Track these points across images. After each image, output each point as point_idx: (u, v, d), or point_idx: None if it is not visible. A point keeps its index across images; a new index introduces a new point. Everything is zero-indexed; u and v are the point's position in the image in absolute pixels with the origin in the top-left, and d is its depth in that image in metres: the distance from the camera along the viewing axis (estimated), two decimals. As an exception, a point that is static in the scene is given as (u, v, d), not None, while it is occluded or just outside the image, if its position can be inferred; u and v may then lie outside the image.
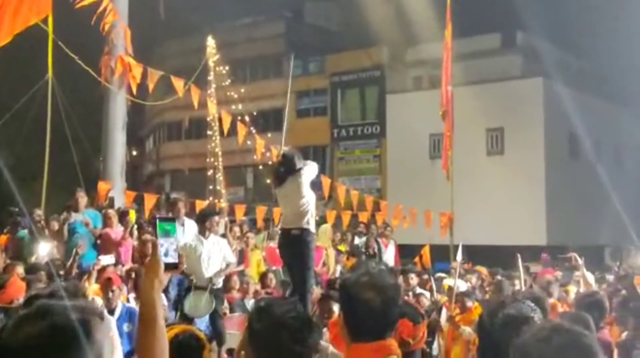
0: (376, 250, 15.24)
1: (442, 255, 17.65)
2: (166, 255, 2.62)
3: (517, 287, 8.46)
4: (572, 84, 32.08)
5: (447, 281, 10.24)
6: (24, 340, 1.72)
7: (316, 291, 8.74)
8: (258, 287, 11.29)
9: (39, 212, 11.78)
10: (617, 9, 29.40)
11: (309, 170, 7.88)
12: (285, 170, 7.81)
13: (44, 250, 9.64)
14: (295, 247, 7.79)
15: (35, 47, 13.39)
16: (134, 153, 35.74)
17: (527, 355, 2.05)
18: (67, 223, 11.24)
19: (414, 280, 11.23)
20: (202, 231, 9.79)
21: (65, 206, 12.33)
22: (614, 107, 33.94)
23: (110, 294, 7.48)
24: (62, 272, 9.47)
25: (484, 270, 13.03)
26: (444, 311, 9.15)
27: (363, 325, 2.88)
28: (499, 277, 11.51)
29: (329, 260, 14.25)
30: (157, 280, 2.51)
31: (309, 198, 7.74)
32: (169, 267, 2.62)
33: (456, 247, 13.99)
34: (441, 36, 17.85)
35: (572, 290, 9.19)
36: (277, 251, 8.69)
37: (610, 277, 14.53)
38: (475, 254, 16.15)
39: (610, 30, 30.60)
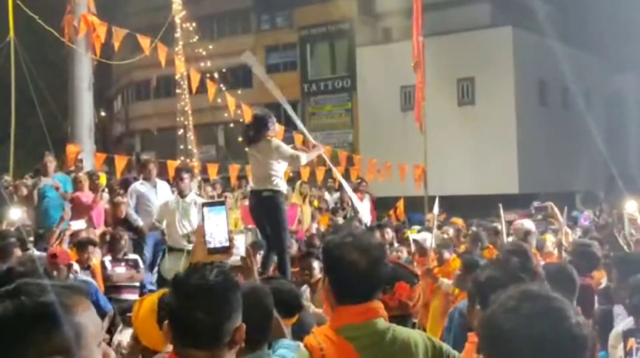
0: (351, 205, 15.22)
1: (416, 206, 17.72)
2: (214, 240, 2.61)
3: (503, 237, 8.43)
4: (540, 31, 32.06)
5: (412, 235, 10.14)
6: None
7: (294, 249, 8.69)
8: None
9: (7, 177, 11.57)
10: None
11: (283, 147, 7.74)
12: (256, 132, 7.69)
13: (16, 215, 9.44)
14: (267, 209, 7.74)
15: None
16: (102, 114, 35.28)
17: (496, 328, 1.96)
18: (37, 187, 11.03)
19: (389, 234, 11.22)
20: (180, 189, 9.72)
21: (34, 169, 12.13)
22: (583, 54, 34.02)
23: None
24: (32, 238, 9.31)
25: (459, 221, 13.07)
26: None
27: (349, 287, 2.83)
28: (474, 228, 11.54)
29: (304, 217, 14.20)
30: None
31: (280, 163, 7.66)
32: (219, 251, 2.60)
33: (430, 198, 14.01)
34: (410, -14, 17.63)
35: (550, 238, 9.21)
36: (249, 212, 8.59)
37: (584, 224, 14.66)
38: (450, 205, 16.18)
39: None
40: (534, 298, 1.99)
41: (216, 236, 2.62)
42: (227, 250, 2.62)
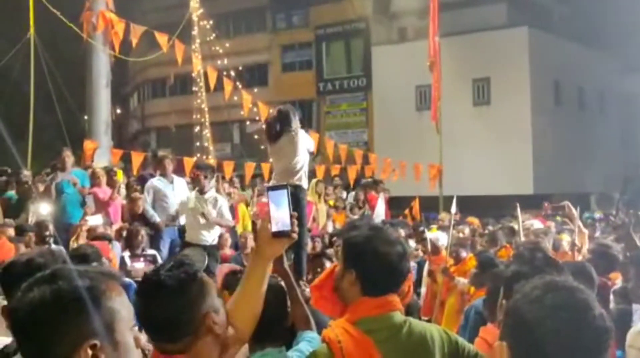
0: (367, 204, 15.25)
1: (431, 206, 17.70)
2: (277, 223, 2.62)
3: (519, 238, 8.42)
4: (556, 31, 31.95)
5: (430, 234, 10.16)
6: (28, 305, 1.68)
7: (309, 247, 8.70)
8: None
9: (26, 172, 11.64)
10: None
11: (306, 137, 7.83)
12: (281, 126, 7.71)
13: (45, 209, 9.54)
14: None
15: (16, 5, 13.09)
16: (119, 110, 35.39)
17: (520, 317, 1.97)
18: (54, 183, 11.10)
19: (402, 233, 11.19)
20: (200, 186, 9.83)
21: (51, 165, 12.18)
22: (599, 54, 33.85)
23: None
24: (48, 233, 9.37)
25: (476, 221, 13.05)
26: (426, 264, 9.16)
27: (378, 279, 2.88)
28: (490, 227, 11.51)
29: (318, 215, 14.20)
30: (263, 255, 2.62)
31: (303, 157, 7.68)
32: (282, 235, 2.61)
33: (446, 198, 13.98)
34: (426, -14, 17.64)
35: (566, 238, 9.16)
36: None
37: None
38: (464, 205, 16.15)
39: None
40: (558, 289, 2.00)
41: (279, 220, 2.63)
42: (289, 234, 2.62)
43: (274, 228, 2.61)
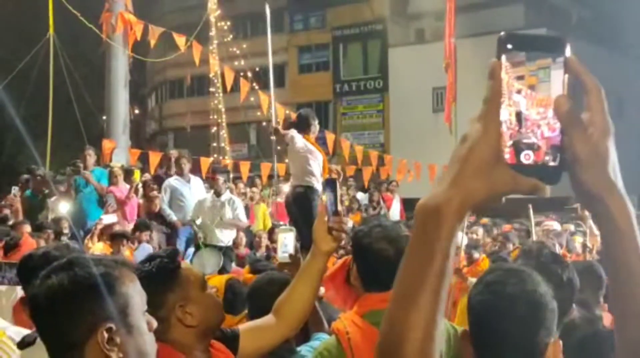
0: (381, 204, 15.29)
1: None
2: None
3: (533, 238, 8.47)
4: (574, 34, 31.78)
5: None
6: (46, 291, 1.78)
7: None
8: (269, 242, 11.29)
9: (46, 171, 11.80)
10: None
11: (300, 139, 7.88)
12: (298, 131, 7.82)
13: (64, 208, 9.68)
14: (298, 204, 7.85)
15: (36, 5, 13.25)
16: (136, 111, 35.58)
17: (469, 302, 2.12)
18: (71, 181, 11.28)
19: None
20: (214, 188, 9.98)
21: (71, 163, 12.33)
22: (618, 57, 33.62)
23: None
24: (67, 231, 9.50)
25: (487, 222, 13.05)
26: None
27: (376, 275, 2.90)
28: (504, 229, 11.52)
29: (334, 215, 14.25)
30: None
31: (316, 161, 7.78)
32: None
33: (460, 200, 13.93)
34: (443, -13, 17.64)
35: (578, 240, 9.20)
36: (285, 207, 8.75)
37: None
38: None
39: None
40: (498, 269, 2.17)
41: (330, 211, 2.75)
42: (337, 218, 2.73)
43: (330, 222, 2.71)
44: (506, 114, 1.01)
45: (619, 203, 1.04)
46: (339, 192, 2.77)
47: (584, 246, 7.94)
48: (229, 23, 21.11)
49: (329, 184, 2.79)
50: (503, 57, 1.04)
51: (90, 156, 11.48)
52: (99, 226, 9.61)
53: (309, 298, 2.76)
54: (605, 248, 1.08)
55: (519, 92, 1.02)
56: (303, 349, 3.31)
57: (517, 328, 2.02)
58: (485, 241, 11.11)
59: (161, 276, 2.48)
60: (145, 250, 9.40)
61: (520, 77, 1.02)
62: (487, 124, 1.02)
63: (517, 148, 1.00)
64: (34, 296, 1.82)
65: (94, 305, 1.75)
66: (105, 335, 1.74)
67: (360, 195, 17.23)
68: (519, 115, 1.01)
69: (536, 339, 2.03)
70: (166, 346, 2.39)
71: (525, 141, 1.01)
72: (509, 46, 1.05)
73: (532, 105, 1.02)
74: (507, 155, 1.01)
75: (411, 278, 1.04)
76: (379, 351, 1.07)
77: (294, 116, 9.64)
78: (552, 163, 1.02)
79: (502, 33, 1.06)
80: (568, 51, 1.02)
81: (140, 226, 9.82)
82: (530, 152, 1.01)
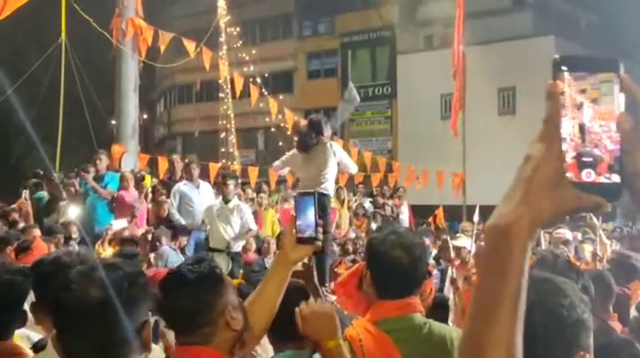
0: (392, 210, 15.31)
1: (454, 215, 17.69)
2: (303, 230, 2.65)
3: (542, 246, 8.47)
4: (583, 41, 31.76)
5: (455, 242, 10.19)
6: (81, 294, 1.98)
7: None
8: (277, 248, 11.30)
9: (56, 174, 11.84)
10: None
11: (340, 149, 7.97)
12: (314, 137, 7.84)
13: (73, 212, 9.71)
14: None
15: (48, 9, 13.31)
16: (145, 116, 35.65)
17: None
18: (83, 185, 11.33)
19: (426, 241, 11.20)
20: (224, 194, 9.99)
21: (80, 167, 12.37)
22: (626, 62, 33.36)
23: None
24: (76, 236, 9.52)
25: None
26: (449, 270, 9.17)
27: (390, 283, 2.92)
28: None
29: (341, 221, 14.28)
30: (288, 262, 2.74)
31: (333, 167, 7.81)
32: (307, 241, 2.65)
33: (469, 208, 13.99)
34: (452, -6, 17.71)
35: (587, 248, 9.18)
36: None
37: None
38: (487, 214, 16.14)
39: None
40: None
41: (305, 227, 2.65)
42: (313, 241, 2.66)
43: (299, 234, 2.64)
44: (569, 127, 1.03)
45: None
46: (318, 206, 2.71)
47: (594, 254, 7.92)
48: (238, 29, 21.13)
49: (305, 198, 2.73)
50: (565, 73, 1.05)
51: (102, 161, 11.50)
52: (110, 232, 9.62)
53: (272, 307, 2.72)
54: None
55: (581, 105, 1.03)
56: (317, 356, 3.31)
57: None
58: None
59: (214, 279, 2.48)
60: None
61: (582, 91, 1.03)
62: (549, 144, 1.05)
63: (580, 162, 1.02)
64: (57, 299, 2.04)
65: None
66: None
67: (367, 204, 17.25)
68: (582, 127, 1.03)
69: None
70: (214, 350, 2.41)
71: (588, 153, 1.02)
72: (564, 68, 1.06)
73: (595, 118, 1.02)
74: (570, 172, 1.02)
75: (488, 296, 1.05)
76: None
77: (303, 122, 9.68)
78: (613, 180, 1.02)
79: (556, 56, 1.07)
80: (622, 70, 1.03)
81: (180, 231, 9.99)
82: (591, 170, 1.02)
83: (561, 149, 1.03)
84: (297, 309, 2.64)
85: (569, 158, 1.03)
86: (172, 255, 9.04)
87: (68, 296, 1.97)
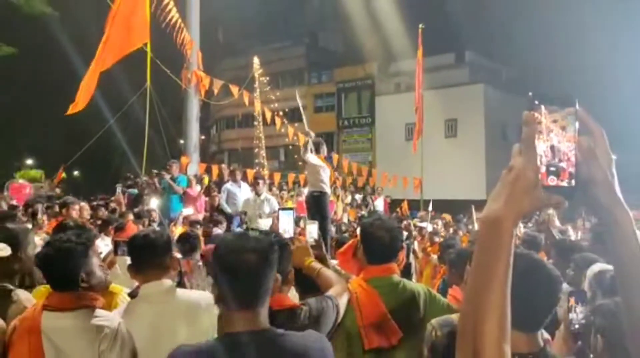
0: (370, 203, 15.28)
1: (414, 206, 17.65)
2: (285, 232, 2.83)
3: (474, 229, 8.42)
4: (503, 87, 31.76)
5: (419, 223, 10.21)
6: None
7: (332, 231, 8.72)
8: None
9: (144, 178, 11.87)
10: (538, 31, 29.04)
11: (313, 162, 7.81)
12: (315, 151, 7.82)
13: (154, 203, 9.69)
14: (316, 204, 7.81)
15: (137, 64, 13.29)
16: (203, 137, 35.57)
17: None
18: (162, 182, 11.32)
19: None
20: (257, 190, 9.98)
21: (158, 172, 12.36)
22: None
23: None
24: (154, 219, 9.45)
25: (448, 216, 12.99)
26: (415, 243, 9.17)
27: (377, 253, 2.91)
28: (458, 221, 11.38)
29: (338, 210, 14.27)
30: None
31: (324, 174, 7.76)
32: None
33: (425, 201, 13.93)
34: (414, 54, 17.67)
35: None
36: (305, 205, 8.71)
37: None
38: (437, 205, 16.12)
39: (532, 45, 30.20)
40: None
41: (287, 230, 2.83)
42: (292, 239, 2.78)
43: (285, 235, 2.77)
44: (543, 147, 1.00)
45: (623, 213, 1.03)
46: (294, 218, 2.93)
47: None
48: (267, 77, 21.09)
49: (286, 210, 2.92)
50: (542, 107, 1.01)
51: (175, 167, 11.53)
52: (181, 217, 9.60)
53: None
54: (612, 247, 1.04)
55: (552, 130, 1.01)
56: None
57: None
58: (441, 230, 11.03)
59: (287, 247, 2.47)
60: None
61: (555, 121, 1.00)
62: (527, 157, 1.01)
63: (548, 171, 1.00)
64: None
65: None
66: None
67: (355, 198, 17.23)
68: (553, 147, 1.01)
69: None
70: (286, 296, 2.42)
71: (554, 165, 1.00)
72: (536, 101, 1.02)
73: (563, 140, 1.01)
74: (541, 179, 1.00)
75: (485, 270, 1.00)
76: (460, 331, 1.01)
77: (312, 133, 9.63)
78: (571, 184, 1.00)
79: (530, 93, 1.02)
80: (577, 104, 1.01)
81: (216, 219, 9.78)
82: (554, 177, 1.00)
83: (537, 161, 1.00)
84: (292, 247, 2.65)
85: (542, 168, 1.00)
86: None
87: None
